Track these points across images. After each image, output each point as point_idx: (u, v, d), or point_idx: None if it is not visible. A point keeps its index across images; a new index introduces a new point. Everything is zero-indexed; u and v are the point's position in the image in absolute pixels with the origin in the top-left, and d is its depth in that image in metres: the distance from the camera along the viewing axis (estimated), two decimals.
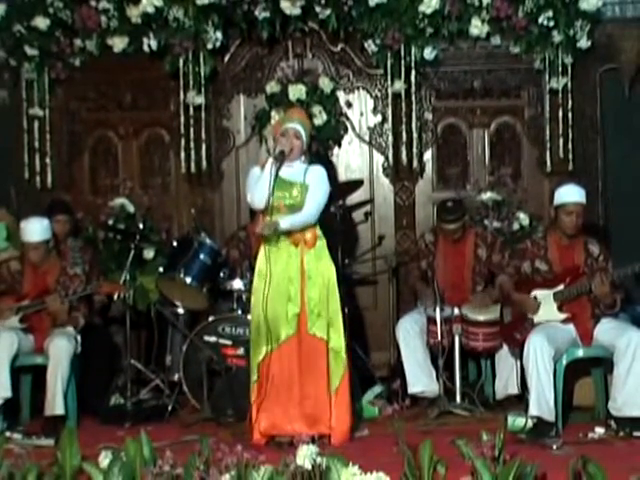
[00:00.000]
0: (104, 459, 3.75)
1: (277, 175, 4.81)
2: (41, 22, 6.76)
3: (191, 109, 6.81)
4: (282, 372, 4.83)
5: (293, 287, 4.86)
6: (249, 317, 5.17)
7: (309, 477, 3.58)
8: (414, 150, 6.79)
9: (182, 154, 6.89)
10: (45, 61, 6.90)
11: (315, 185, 4.95)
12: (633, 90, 6.83)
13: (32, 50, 6.84)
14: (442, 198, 6.33)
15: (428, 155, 6.94)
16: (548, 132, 6.74)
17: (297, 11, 6.49)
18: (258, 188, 4.81)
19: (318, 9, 6.55)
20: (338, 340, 4.88)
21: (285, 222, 4.85)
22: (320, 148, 6.81)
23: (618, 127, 6.86)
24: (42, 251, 5.65)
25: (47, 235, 5.66)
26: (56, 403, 5.33)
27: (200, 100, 6.78)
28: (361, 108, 7.08)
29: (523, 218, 6.55)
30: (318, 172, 5.00)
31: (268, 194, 4.78)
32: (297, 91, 6.84)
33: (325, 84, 6.92)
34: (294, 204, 4.89)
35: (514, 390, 5.55)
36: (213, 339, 5.72)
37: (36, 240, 5.62)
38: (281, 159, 4.83)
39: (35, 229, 5.64)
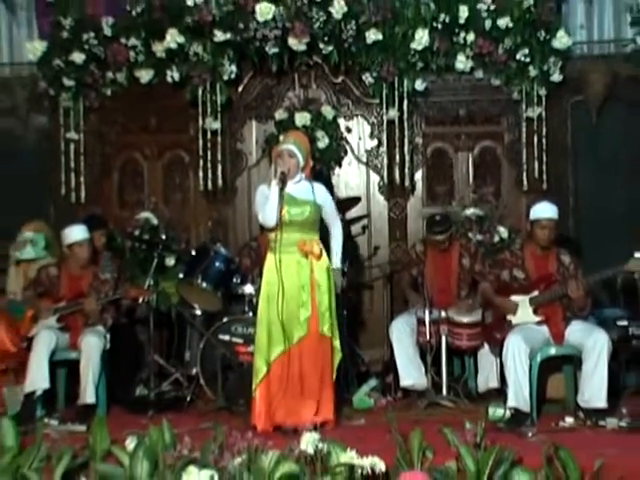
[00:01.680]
0: (130, 443, 3.74)
1: (282, 195, 4.78)
2: (77, 57, 6.83)
3: (208, 133, 6.84)
4: (296, 368, 4.79)
5: (305, 294, 4.82)
6: None
7: (312, 461, 3.57)
8: (406, 170, 6.82)
9: (200, 173, 6.91)
10: (80, 91, 6.97)
11: (329, 206, 5.02)
12: (600, 119, 6.91)
13: (69, 81, 6.90)
14: (431, 213, 6.31)
15: (418, 175, 6.97)
16: (525, 155, 6.76)
17: (303, 47, 6.51)
18: (268, 209, 4.78)
19: (321, 45, 6.57)
20: (336, 338, 4.89)
21: (339, 260, 5.04)
22: (323, 168, 6.82)
23: (587, 151, 6.92)
24: (88, 248, 5.66)
25: (88, 234, 5.69)
26: (88, 393, 5.32)
27: (216, 125, 6.81)
28: (359, 133, 7.12)
29: (503, 231, 6.56)
30: (325, 192, 5.02)
31: (277, 214, 4.76)
32: (302, 118, 6.89)
33: (327, 112, 6.97)
34: (307, 221, 4.87)
35: (494, 384, 5.54)
36: (227, 338, 5.72)
37: (82, 238, 5.63)
38: (283, 179, 4.80)
39: (79, 230, 5.67)
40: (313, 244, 4.88)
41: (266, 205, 4.80)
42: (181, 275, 6.21)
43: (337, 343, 4.89)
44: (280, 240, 4.85)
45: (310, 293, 4.84)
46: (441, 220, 6.00)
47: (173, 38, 6.63)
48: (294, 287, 4.83)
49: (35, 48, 6.93)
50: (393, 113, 6.71)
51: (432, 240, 5.99)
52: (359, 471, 3.53)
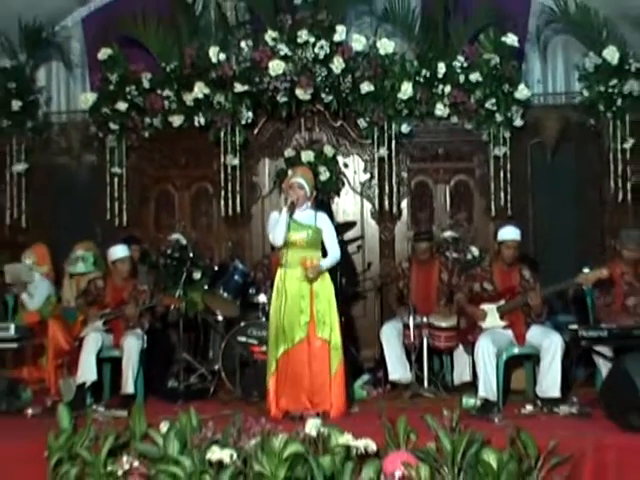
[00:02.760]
0: (164, 427, 3.78)
1: (290, 220, 4.82)
2: (121, 105, 6.88)
3: (229, 168, 6.84)
4: (296, 365, 4.79)
5: (304, 302, 4.82)
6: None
7: (315, 442, 3.60)
8: (394, 200, 6.83)
9: (222, 202, 6.91)
10: (123, 133, 6.99)
11: (329, 231, 4.95)
12: (554, 157, 6.92)
13: (114, 125, 6.95)
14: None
15: (404, 203, 6.97)
16: (492, 187, 6.77)
17: (308, 97, 6.54)
18: (277, 231, 4.81)
19: (323, 95, 6.60)
20: (337, 339, 4.85)
21: (325, 264, 4.88)
22: (324, 198, 6.84)
23: (543, 184, 6.93)
24: (128, 264, 5.70)
25: (128, 253, 5.73)
26: (128, 385, 5.34)
27: (236, 162, 6.82)
28: (355, 168, 7.13)
29: (474, 251, 6.55)
30: (326, 219, 5.00)
31: (284, 235, 4.81)
32: (307, 156, 6.92)
33: (328, 150, 6.99)
34: (308, 241, 4.89)
35: (467, 378, 5.53)
36: (244, 339, 5.69)
37: (123, 255, 5.67)
38: (292, 208, 4.83)
39: (122, 249, 5.71)
40: (313, 260, 4.88)
41: (276, 228, 4.83)
42: (206, 287, 6.22)
43: (336, 343, 4.84)
44: (286, 258, 4.88)
45: (309, 302, 4.83)
46: (425, 231, 6.17)
47: (200, 89, 6.67)
48: (296, 297, 4.83)
49: (87, 99, 6.99)
50: (383, 152, 6.74)
51: (417, 247, 5.99)
52: (354, 451, 3.57)
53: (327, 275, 4.95)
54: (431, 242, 6.04)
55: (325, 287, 4.90)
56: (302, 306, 4.83)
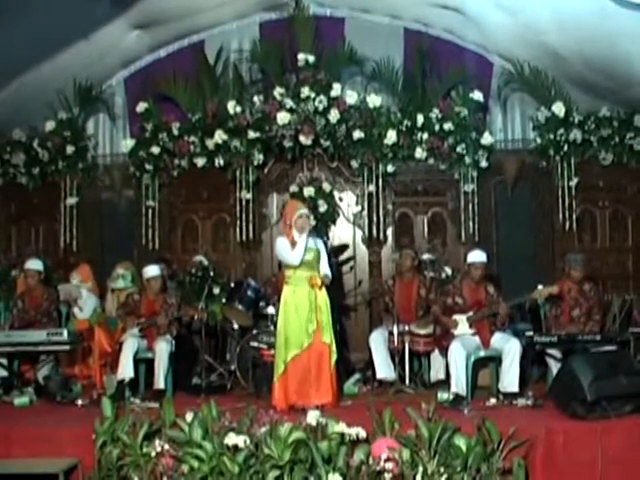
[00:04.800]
0: (189, 416, 3.77)
1: (307, 244, 4.87)
2: (155, 150, 6.90)
3: (243, 202, 6.84)
4: (304, 365, 4.80)
5: (311, 312, 4.83)
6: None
7: (314, 430, 3.60)
8: (381, 228, 6.83)
9: (237, 229, 6.90)
10: (157, 173, 7.00)
11: (324, 253, 5.02)
12: (513, 193, 6.96)
13: (149, 166, 6.96)
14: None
15: (389, 231, 6.97)
16: (463, 218, 6.80)
17: (309, 142, 6.55)
18: (296, 252, 4.82)
19: (322, 141, 6.62)
20: (333, 344, 4.90)
21: (329, 276, 4.95)
22: (323, 227, 6.85)
23: (505, 215, 6.96)
24: (160, 281, 5.71)
25: (160, 271, 5.75)
26: (160, 381, 5.35)
27: (249, 196, 6.81)
28: (348, 202, 7.12)
29: (448, 270, 6.53)
30: (323, 244, 5.06)
31: (303, 256, 4.85)
32: (309, 191, 6.93)
33: (326, 187, 7.00)
34: (312, 260, 4.91)
35: (442, 376, 5.52)
36: (255, 344, 5.69)
37: (156, 274, 5.68)
38: (310, 234, 4.87)
39: (154, 268, 5.73)
40: (317, 279, 4.91)
41: (295, 250, 4.83)
42: (224, 300, 6.21)
43: (333, 347, 4.89)
44: (294, 276, 4.90)
45: (315, 313, 4.85)
46: (409, 246, 6.26)
47: (220, 136, 6.69)
48: (304, 308, 4.85)
49: (127, 144, 7.02)
50: (372, 188, 6.76)
51: (403, 254, 5.99)
52: (348, 437, 3.57)
53: (325, 290, 4.97)
54: (413, 254, 6.01)
55: (325, 301, 4.93)
56: (310, 316, 4.84)
